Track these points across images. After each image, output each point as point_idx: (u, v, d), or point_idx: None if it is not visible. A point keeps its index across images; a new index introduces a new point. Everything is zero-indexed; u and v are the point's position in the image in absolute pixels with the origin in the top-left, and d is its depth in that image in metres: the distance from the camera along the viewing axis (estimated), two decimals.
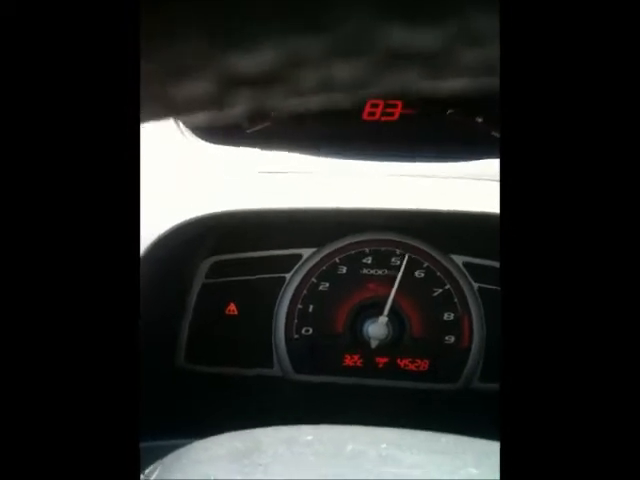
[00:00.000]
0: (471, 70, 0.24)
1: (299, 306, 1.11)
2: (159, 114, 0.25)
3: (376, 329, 1.08)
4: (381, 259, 1.10)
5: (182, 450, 0.62)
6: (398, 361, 1.11)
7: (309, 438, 0.58)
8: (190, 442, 0.63)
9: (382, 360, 1.12)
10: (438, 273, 1.09)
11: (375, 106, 0.97)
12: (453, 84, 0.25)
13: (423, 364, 1.11)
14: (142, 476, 0.58)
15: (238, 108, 0.25)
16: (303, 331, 1.12)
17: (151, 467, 0.59)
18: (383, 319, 1.08)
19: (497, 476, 0.50)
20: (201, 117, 0.27)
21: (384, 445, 0.55)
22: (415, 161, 0.92)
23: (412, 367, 1.11)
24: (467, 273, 1.09)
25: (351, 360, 1.12)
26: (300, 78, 0.23)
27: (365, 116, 0.98)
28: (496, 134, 0.96)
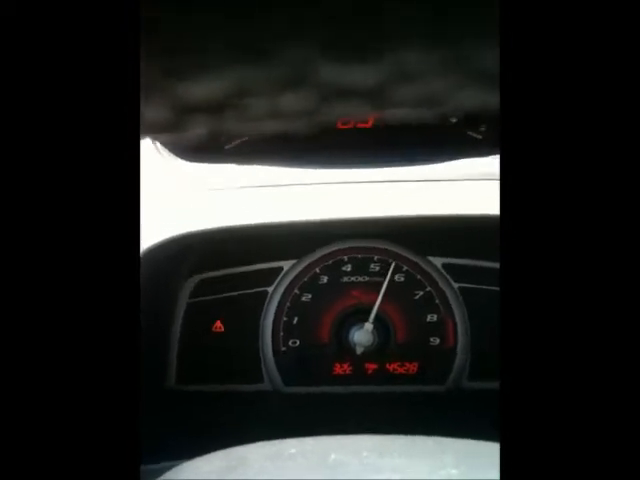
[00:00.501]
0: (409, 102, 0.24)
1: (284, 319, 1.11)
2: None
3: (361, 336, 1.09)
4: (360, 266, 1.11)
5: (169, 473, 0.62)
6: (387, 366, 1.12)
7: (292, 451, 0.58)
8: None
9: (371, 366, 1.12)
10: (418, 276, 1.10)
11: None
12: (395, 113, 0.26)
13: (412, 367, 1.11)
14: None
15: (194, 132, 0.25)
16: (290, 343, 1.12)
17: None
18: (368, 326, 1.09)
19: (477, 476, 0.51)
20: (161, 138, 0.27)
21: (365, 453, 0.56)
22: (391, 166, 0.93)
23: (401, 371, 1.11)
24: (447, 274, 1.10)
25: (340, 369, 1.12)
26: (250, 105, 0.24)
27: (339, 125, 0.99)
28: (472, 134, 0.96)
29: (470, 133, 0.97)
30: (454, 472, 0.52)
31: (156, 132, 0.26)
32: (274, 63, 0.22)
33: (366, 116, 0.27)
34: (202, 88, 0.23)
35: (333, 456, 0.55)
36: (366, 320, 1.09)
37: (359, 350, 1.09)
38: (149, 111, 0.24)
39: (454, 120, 0.98)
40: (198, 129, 0.25)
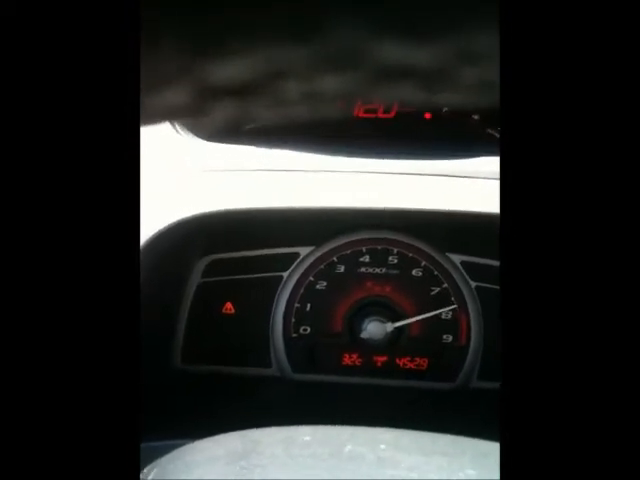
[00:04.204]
0: (468, 87, 0.24)
1: (297, 305, 1.11)
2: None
3: (375, 329, 1.08)
4: (378, 258, 1.10)
5: (179, 451, 0.61)
6: (397, 360, 1.11)
7: (307, 439, 0.58)
8: (188, 443, 0.63)
9: (381, 359, 1.11)
10: (435, 272, 1.09)
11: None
12: (449, 98, 0.25)
13: (422, 362, 1.11)
14: (140, 476, 0.57)
15: (219, 117, 0.25)
16: (301, 330, 1.11)
17: (148, 468, 0.59)
18: (390, 326, 1.08)
19: (495, 477, 0.50)
20: (184, 123, 0.27)
21: (383, 446, 0.55)
22: (412, 159, 0.92)
23: (411, 365, 1.11)
24: (464, 272, 1.09)
25: (350, 359, 1.11)
26: (284, 89, 0.23)
27: (361, 113, 0.98)
28: (492, 132, 0.95)
29: (491, 131, 0.96)
30: (472, 473, 0.51)
31: (178, 117, 0.25)
32: (318, 42, 0.21)
33: (416, 103, 0.26)
34: (230, 69, 0.22)
35: (349, 447, 0.54)
36: (381, 313, 1.08)
37: (364, 335, 1.08)
38: (169, 96, 0.23)
39: (476, 117, 0.97)
40: (224, 113, 0.24)
